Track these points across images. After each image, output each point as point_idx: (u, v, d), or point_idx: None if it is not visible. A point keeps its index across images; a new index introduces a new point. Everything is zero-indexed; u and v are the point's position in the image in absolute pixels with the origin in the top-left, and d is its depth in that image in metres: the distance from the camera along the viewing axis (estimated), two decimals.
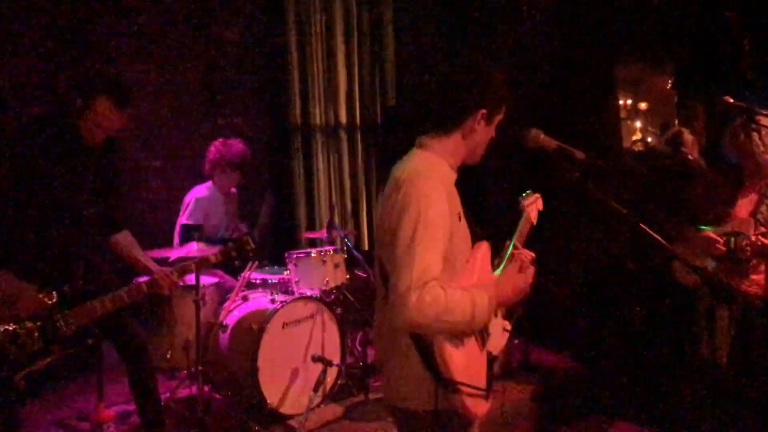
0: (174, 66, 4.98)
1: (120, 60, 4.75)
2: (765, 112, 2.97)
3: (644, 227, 1.91)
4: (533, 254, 2.16)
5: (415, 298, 1.72)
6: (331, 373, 3.81)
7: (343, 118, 5.61)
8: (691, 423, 3.41)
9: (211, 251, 3.38)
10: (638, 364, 4.44)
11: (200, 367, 3.55)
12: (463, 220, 1.98)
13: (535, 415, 4.13)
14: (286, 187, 5.38)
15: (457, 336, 1.85)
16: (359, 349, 4.40)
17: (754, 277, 3.29)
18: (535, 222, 2.42)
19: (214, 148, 4.32)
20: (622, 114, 6.71)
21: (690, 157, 5.54)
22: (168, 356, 3.69)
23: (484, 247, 2.05)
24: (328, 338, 3.87)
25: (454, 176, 2.00)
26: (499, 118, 2.00)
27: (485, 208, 4.86)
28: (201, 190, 4.36)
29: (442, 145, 1.97)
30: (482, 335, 1.96)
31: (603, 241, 4.97)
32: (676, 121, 6.31)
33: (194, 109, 5.08)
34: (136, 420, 3.63)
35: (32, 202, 2.91)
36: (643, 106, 7.13)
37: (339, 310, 4.01)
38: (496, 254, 2.17)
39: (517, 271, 2.00)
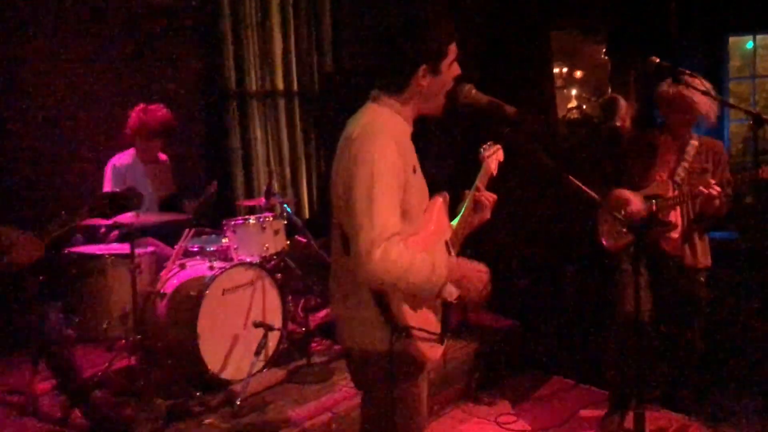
0: (104, 32, 4.81)
1: (46, 25, 4.55)
2: (689, 72, 3.08)
3: (572, 179, 1.97)
4: (495, 196, 2.22)
5: (379, 254, 1.76)
6: (273, 339, 3.81)
7: (280, 85, 5.54)
8: (617, 374, 3.58)
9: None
10: (570, 322, 4.62)
11: (138, 336, 3.51)
12: (419, 173, 2.01)
13: (475, 371, 4.25)
14: (222, 155, 5.30)
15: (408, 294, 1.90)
16: (302, 315, 4.41)
17: (670, 236, 3.46)
18: (495, 173, 2.44)
19: (135, 114, 4.20)
20: (558, 82, 6.84)
21: (618, 124, 5.71)
22: (105, 327, 3.61)
23: (441, 199, 2.13)
24: (269, 304, 3.87)
25: (409, 129, 2.01)
26: (449, 60, 1.97)
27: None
28: (120, 158, 4.24)
29: (394, 99, 1.98)
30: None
31: (535, 205, 5.11)
32: (610, 89, 6.49)
33: (126, 75, 4.92)
34: None
35: None
36: (578, 74, 7.26)
37: (279, 276, 4.00)
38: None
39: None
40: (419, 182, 2.01)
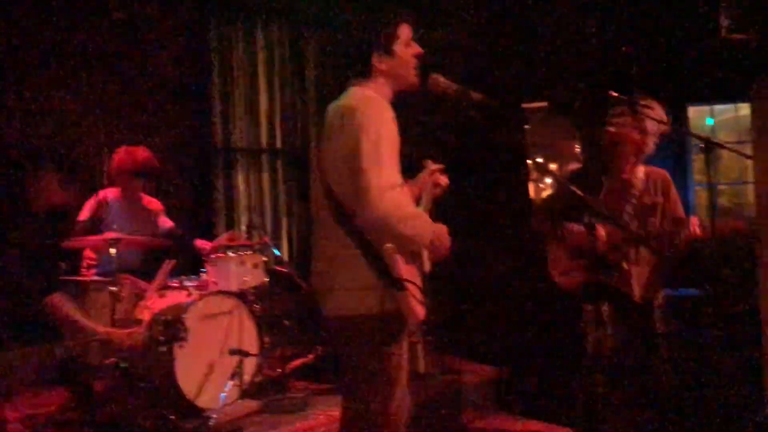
0: (99, 90, 5.01)
1: (47, 88, 4.77)
2: (644, 102, 3.31)
3: (555, 173, 2.14)
4: (442, 165, 2.40)
5: (390, 197, 1.96)
6: (249, 369, 3.82)
7: (264, 142, 5.76)
8: (587, 416, 3.59)
9: None
10: (538, 364, 4.65)
11: (114, 360, 3.51)
12: None
13: (451, 413, 4.25)
14: (206, 206, 5.43)
15: (401, 248, 2.06)
16: (279, 361, 4.40)
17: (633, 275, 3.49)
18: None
19: (117, 155, 4.34)
20: (533, 175, 7.04)
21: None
22: (83, 353, 3.62)
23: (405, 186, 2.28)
24: (246, 335, 3.90)
25: (390, 110, 2.19)
26: (402, 41, 2.20)
27: None
28: (107, 192, 4.37)
29: (368, 84, 2.21)
30: (415, 255, 2.18)
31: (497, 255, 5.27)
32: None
33: (120, 133, 5.07)
34: None
35: None
36: (553, 167, 7.48)
37: (257, 308, 4.05)
38: None
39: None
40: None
